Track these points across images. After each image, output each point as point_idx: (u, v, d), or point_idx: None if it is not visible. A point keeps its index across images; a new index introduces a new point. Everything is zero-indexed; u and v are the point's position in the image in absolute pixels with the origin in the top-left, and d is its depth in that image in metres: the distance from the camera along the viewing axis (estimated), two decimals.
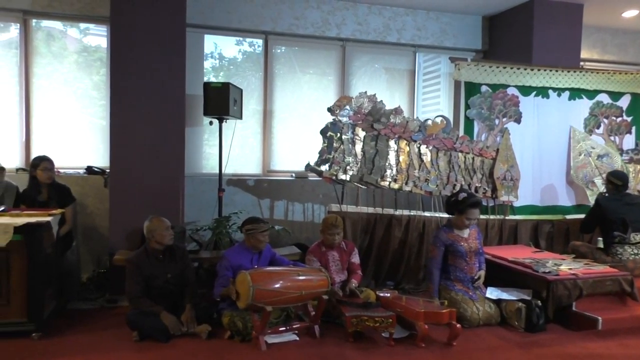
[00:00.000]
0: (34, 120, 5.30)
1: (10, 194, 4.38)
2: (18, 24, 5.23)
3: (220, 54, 5.97)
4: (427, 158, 5.14)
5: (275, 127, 6.03)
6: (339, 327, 3.86)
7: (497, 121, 5.45)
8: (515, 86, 5.52)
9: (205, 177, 5.64)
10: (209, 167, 5.80)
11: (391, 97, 6.27)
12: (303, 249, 4.98)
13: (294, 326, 3.76)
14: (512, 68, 5.50)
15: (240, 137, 5.75)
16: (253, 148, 6.00)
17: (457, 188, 5.00)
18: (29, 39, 5.27)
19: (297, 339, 3.70)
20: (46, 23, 5.37)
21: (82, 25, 5.49)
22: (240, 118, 5.33)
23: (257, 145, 6.00)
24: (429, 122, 5.21)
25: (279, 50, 6.06)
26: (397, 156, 5.06)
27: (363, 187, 5.07)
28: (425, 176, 5.10)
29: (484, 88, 5.43)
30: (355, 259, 4.40)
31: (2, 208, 3.96)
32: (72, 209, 4.56)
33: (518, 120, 5.52)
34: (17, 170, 5.11)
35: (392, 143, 5.05)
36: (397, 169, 5.05)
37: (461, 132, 5.31)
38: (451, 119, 5.34)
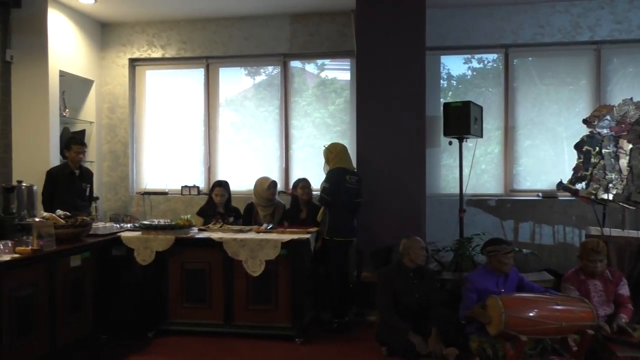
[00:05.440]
0: (292, 147, 6.02)
1: (279, 211, 5.04)
2: (279, 66, 6.07)
3: (449, 72, 5.93)
4: None
5: (518, 143, 5.68)
6: None
7: None
8: None
9: (444, 197, 5.60)
10: (446, 187, 5.75)
11: None
12: (555, 275, 4.54)
13: None
14: None
15: (478, 156, 5.57)
16: (493, 167, 5.74)
17: None
18: (288, 78, 6.05)
19: None
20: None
21: (319, 61, 6.11)
22: (481, 136, 5.18)
23: (498, 163, 5.72)
24: None
25: (516, 62, 5.73)
26: None
27: (631, 207, 4.38)
28: None
29: None
30: (624, 290, 3.81)
31: (270, 226, 4.56)
32: None
33: None
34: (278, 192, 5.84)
35: None
36: None
37: None
38: None
